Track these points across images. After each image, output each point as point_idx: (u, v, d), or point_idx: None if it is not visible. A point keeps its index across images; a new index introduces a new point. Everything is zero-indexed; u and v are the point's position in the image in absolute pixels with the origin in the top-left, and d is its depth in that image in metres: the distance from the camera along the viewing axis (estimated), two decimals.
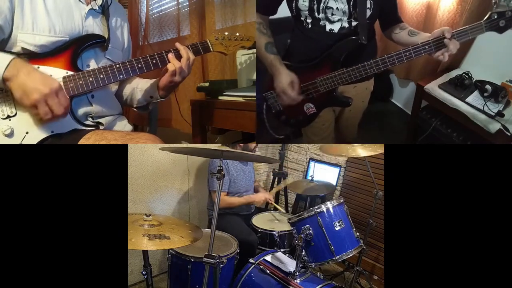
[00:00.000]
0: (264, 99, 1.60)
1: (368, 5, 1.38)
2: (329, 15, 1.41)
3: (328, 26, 1.43)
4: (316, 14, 1.41)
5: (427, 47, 1.34)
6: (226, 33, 1.54)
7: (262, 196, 2.18)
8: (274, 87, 1.51)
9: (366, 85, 1.64)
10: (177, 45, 1.40)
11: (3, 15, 1.19)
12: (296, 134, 1.69)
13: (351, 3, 1.37)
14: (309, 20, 1.44)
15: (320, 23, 1.43)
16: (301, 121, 1.62)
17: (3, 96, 1.20)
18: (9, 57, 1.14)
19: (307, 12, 1.42)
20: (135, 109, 1.63)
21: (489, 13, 1.27)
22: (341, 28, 1.43)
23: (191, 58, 1.41)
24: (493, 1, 1.27)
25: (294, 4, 1.42)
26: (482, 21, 1.28)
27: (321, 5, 1.39)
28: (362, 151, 1.82)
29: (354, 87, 1.58)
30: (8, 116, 1.20)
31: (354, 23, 1.41)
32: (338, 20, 1.41)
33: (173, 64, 1.37)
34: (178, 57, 1.39)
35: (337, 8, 1.38)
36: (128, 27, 1.59)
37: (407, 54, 1.36)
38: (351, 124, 1.84)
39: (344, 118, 1.76)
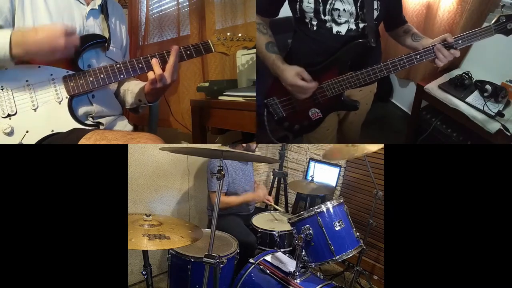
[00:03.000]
0: (266, 106, 1.56)
1: (376, 6, 1.34)
2: (336, 17, 1.36)
3: (335, 28, 1.39)
4: (322, 16, 1.36)
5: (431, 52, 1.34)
6: (228, 34, 1.53)
7: (260, 193, 2.14)
8: (284, 86, 1.46)
9: (370, 88, 1.62)
10: (173, 47, 1.37)
11: (4, 15, 1.19)
12: (296, 136, 1.66)
13: (358, 4, 1.33)
14: (314, 22, 1.39)
15: (327, 25, 1.38)
16: (305, 127, 1.58)
17: (3, 95, 1.20)
18: (7, 33, 1.13)
19: (312, 14, 1.37)
20: (128, 109, 1.64)
21: (498, 15, 1.27)
22: (349, 30, 1.38)
23: (175, 64, 1.36)
24: (500, 3, 1.28)
25: (298, 5, 1.37)
26: (491, 24, 1.28)
27: (327, 6, 1.34)
28: (366, 148, 1.81)
29: (360, 91, 1.56)
30: (9, 115, 1.20)
31: (361, 25, 1.38)
32: (345, 22, 1.37)
33: (153, 71, 1.34)
34: (164, 62, 1.36)
35: (344, 9, 1.34)
36: (126, 27, 1.60)
37: (418, 56, 1.34)
38: (355, 127, 1.82)
39: (349, 121, 1.74)
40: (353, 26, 1.38)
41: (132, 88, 1.55)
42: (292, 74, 1.40)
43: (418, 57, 1.34)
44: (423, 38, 1.46)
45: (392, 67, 1.37)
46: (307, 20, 1.41)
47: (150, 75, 1.35)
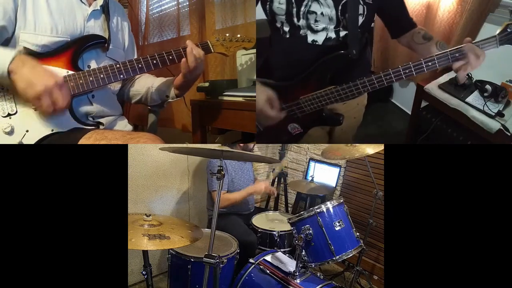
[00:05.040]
0: None
1: (361, 11, 1.15)
2: (312, 22, 1.17)
3: (311, 37, 1.20)
4: (295, 20, 1.17)
5: (430, 64, 1.17)
6: (227, 34, 1.54)
7: (262, 184, 2.11)
8: None
9: (358, 100, 1.41)
10: (188, 43, 1.39)
11: (8, 15, 1.20)
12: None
13: (340, 8, 1.14)
14: (286, 28, 1.20)
15: (301, 32, 1.19)
16: (286, 141, 1.47)
17: (3, 94, 1.20)
18: (13, 52, 1.14)
19: (284, 17, 1.18)
20: (149, 107, 1.66)
21: (505, 23, 1.14)
22: (327, 39, 1.20)
23: (201, 54, 1.40)
24: (509, 8, 1.20)
25: (268, 6, 1.18)
26: (496, 34, 1.14)
27: (302, 8, 1.14)
28: (368, 149, 1.80)
29: (344, 104, 1.37)
30: (9, 114, 1.20)
31: (342, 33, 1.18)
32: (323, 29, 1.18)
33: (185, 63, 1.37)
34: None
35: (322, 13, 1.14)
36: (129, 26, 1.60)
37: (407, 71, 1.17)
38: (345, 141, 1.69)
39: (336, 135, 1.60)
40: (332, 35, 1.20)
41: (156, 85, 1.58)
42: (263, 98, 1.26)
43: (407, 71, 1.17)
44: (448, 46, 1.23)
45: (377, 82, 1.20)
46: (278, 25, 1.23)
47: (183, 67, 1.36)
